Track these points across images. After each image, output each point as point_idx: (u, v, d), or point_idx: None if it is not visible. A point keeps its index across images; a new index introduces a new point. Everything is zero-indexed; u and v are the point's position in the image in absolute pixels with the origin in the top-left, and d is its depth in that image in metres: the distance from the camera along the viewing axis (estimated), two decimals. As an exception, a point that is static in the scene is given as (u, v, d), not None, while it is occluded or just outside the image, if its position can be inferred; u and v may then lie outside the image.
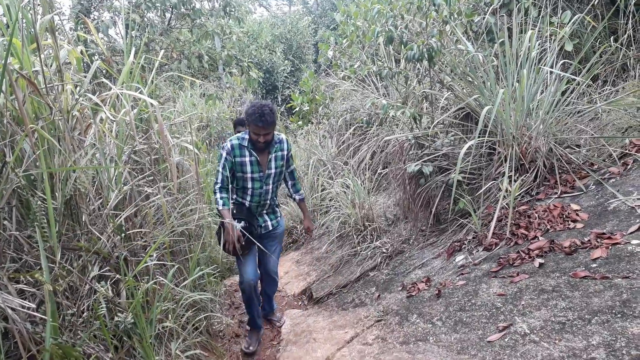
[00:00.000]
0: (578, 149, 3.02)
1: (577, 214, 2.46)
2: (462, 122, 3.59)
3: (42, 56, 1.94)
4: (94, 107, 2.23)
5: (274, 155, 2.78)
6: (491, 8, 3.60)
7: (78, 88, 2.23)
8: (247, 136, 2.69)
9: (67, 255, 1.93)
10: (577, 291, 1.90)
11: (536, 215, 2.62)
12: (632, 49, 3.41)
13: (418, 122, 3.90)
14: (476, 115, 3.29)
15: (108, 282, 1.92)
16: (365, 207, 4.13)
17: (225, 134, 8.14)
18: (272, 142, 2.71)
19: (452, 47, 3.78)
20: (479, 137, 2.72)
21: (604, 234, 2.17)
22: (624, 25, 3.43)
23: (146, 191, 2.49)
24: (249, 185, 2.77)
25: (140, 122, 2.75)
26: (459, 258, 2.84)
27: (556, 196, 2.73)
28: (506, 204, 2.73)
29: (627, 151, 2.73)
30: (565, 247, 2.21)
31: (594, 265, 2.00)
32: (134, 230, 2.31)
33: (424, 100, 4.33)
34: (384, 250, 3.75)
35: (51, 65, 2.16)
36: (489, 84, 3.11)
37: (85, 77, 2.32)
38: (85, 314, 1.85)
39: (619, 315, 1.65)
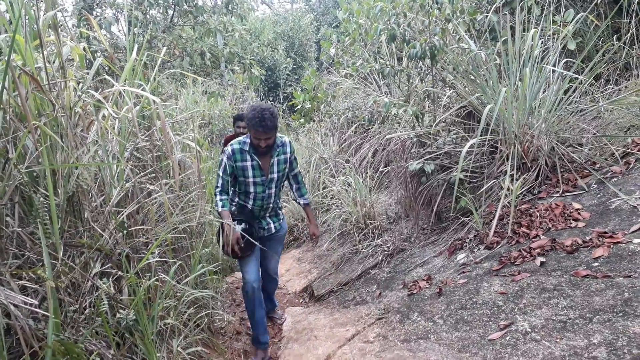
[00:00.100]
0: (580, 148, 3.01)
1: (579, 213, 2.46)
2: (464, 121, 3.58)
3: (45, 53, 1.94)
4: (96, 104, 2.24)
5: (276, 159, 2.70)
6: (494, 6, 3.59)
7: (81, 85, 2.23)
8: (248, 140, 2.61)
9: (69, 252, 1.94)
10: (578, 290, 1.90)
11: (538, 214, 2.61)
12: (635, 48, 3.40)
13: (420, 120, 3.90)
14: (478, 114, 3.29)
15: (110, 279, 1.93)
16: (367, 205, 4.13)
17: (227, 131, 8.13)
18: (274, 146, 2.64)
19: (455, 45, 3.77)
20: (481, 135, 2.72)
21: (605, 232, 2.16)
22: (627, 24, 3.41)
23: (148, 188, 2.50)
24: (251, 189, 2.71)
25: (142, 119, 2.75)
26: (461, 256, 2.84)
27: (558, 195, 2.72)
28: (508, 202, 2.73)
29: (629, 150, 2.72)
30: (566, 246, 2.21)
31: (596, 264, 2.00)
32: (136, 227, 2.32)
33: (426, 99, 4.32)
34: (385, 249, 3.75)
35: (54, 62, 2.16)
36: (491, 82, 3.10)
37: (87, 74, 2.32)
38: (87, 310, 1.85)
39: (620, 314, 1.65)
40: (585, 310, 1.76)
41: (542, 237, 2.44)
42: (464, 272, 2.61)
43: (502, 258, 2.46)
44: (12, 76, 1.71)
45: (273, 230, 2.93)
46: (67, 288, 1.84)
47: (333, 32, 5.51)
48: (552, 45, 3.03)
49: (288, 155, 2.77)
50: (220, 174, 2.67)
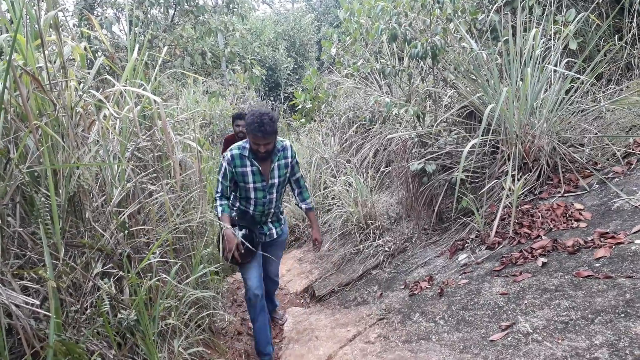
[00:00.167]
0: (582, 148, 3.01)
1: (581, 213, 2.46)
2: (465, 121, 3.58)
3: (46, 52, 1.94)
4: (97, 103, 2.23)
5: (277, 163, 2.64)
6: (495, 6, 3.59)
7: (82, 84, 2.23)
8: (247, 145, 2.56)
9: (70, 252, 1.94)
10: (580, 291, 1.89)
11: (539, 214, 2.61)
12: (637, 48, 3.39)
13: (421, 120, 3.89)
14: (480, 114, 3.28)
15: (111, 279, 1.93)
16: (368, 206, 4.12)
17: (228, 131, 8.14)
18: (274, 151, 2.58)
19: (456, 45, 3.77)
20: (482, 135, 2.72)
21: (607, 233, 2.16)
22: (629, 24, 3.41)
23: (149, 188, 2.49)
24: (252, 195, 2.67)
25: (143, 119, 2.75)
26: (462, 257, 2.84)
27: (559, 195, 2.72)
28: (509, 202, 2.72)
29: (631, 150, 2.72)
30: (568, 247, 2.21)
31: (597, 264, 2.00)
32: (137, 227, 2.31)
33: (428, 98, 4.32)
34: (387, 249, 3.75)
35: (55, 62, 2.16)
36: (492, 82, 3.09)
37: (88, 73, 2.31)
38: (88, 310, 1.85)
39: (622, 315, 1.64)
40: (587, 311, 1.76)
41: (543, 237, 2.44)
42: (465, 273, 2.61)
43: (504, 258, 2.45)
44: (13, 76, 1.71)
45: (275, 236, 2.90)
46: (68, 288, 1.83)
47: (334, 31, 5.51)
48: (554, 45, 3.03)
49: (289, 160, 2.71)
50: (220, 179, 2.64)
